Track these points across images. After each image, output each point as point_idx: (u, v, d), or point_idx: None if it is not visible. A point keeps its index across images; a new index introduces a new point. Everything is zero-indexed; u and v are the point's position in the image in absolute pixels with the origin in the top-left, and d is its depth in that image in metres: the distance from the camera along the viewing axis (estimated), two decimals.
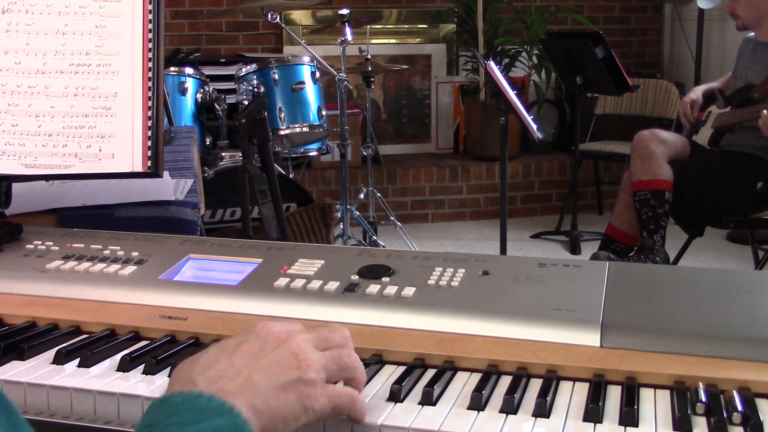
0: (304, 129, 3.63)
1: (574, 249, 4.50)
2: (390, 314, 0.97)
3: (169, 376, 0.87)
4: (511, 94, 3.28)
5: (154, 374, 0.87)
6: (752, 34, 3.48)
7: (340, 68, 3.89)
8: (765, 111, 3.07)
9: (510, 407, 0.79)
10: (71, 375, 0.88)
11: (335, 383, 0.77)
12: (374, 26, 5.18)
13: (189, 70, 3.54)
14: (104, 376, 0.87)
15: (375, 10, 5.42)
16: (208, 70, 3.91)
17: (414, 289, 1.01)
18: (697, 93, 3.62)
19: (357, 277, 1.05)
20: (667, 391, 0.83)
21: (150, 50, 1.24)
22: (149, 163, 1.25)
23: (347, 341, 0.80)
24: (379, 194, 4.30)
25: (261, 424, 0.69)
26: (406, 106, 5.71)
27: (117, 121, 1.25)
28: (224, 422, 0.65)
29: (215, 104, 3.50)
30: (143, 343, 0.96)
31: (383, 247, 4.05)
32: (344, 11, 3.91)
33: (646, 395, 0.83)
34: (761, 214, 3.32)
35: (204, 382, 0.69)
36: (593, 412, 0.78)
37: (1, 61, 1.23)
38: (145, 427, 0.65)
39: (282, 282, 1.05)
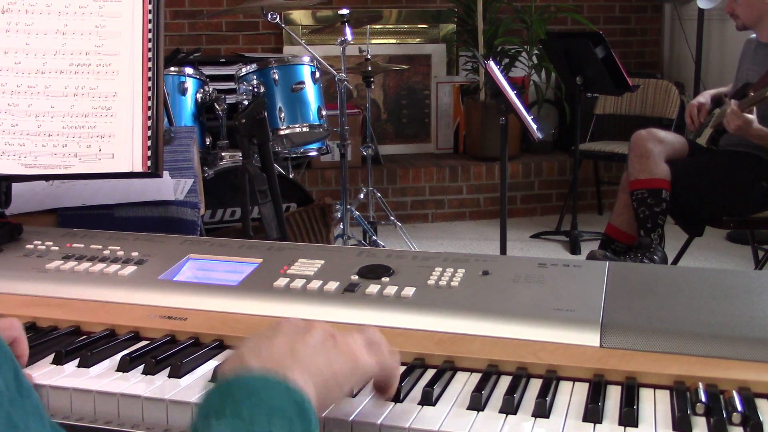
0: (304, 129, 3.63)
1: (574, 249, 4.50)
2: (390, 314, 0.97)
3: (169, 376, 0.87)
4: (511, 94, 3.28)
5: (154, 374, 0.87)
6: (754, 35, 3.48)
7: (340, 68, 3.89)
8: (732, 103, 3.08)
9: (510, 407, 0.79)
10: (71, 375, 0.88)
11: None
12: (374, 26, 5.18)
13: (189, 70, 3.53)
14: (104, 377, 0.87)
15: (375, 10, 5.42)
16: (208, 70, 3.91)
17: (414, 289, 1.01)
18: (705, 96, 3.63)
19: (357, 277, 1.05)
20: (667, 391, 0.83)
21: (150, 50, 1.24)
22: (149, 163, 1.25)
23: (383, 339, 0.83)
24: (379, 194, 4.30)
25: (319, 391, 0.71)
26: (406, 106, 5.71)
27: (117, 121, 1.25)
28: (291, 402, 0.66)
29: (215, 104, 3.50)
30: (143, 343, 0.96)
31: (383, 247, 4.05)
32: (344, 11, 3.91)
33: (645, 395, 0.83)
34: (761, 214, 3.32)
35: (255, 363, 0.70)
36: (593, 412, 0.78)
37: (1, 61, 1.23)
38: (212, 406, 0.65)
39: (282, 282, 1.05)
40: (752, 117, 3.08)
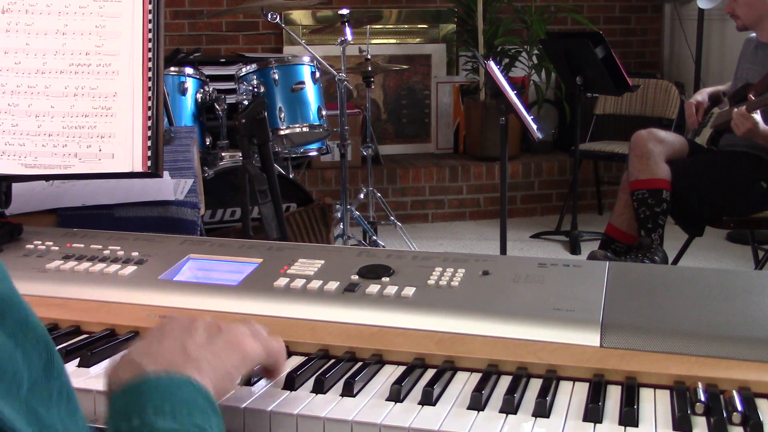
0: (304, 129, 3.63)
1: (574, 249, 4.50)
2: (390, 314, 0.97)
3: None
4: (511, 94, 3.28)
5: None
6: (754, 34, 3.48)
7: (340, 68, 3.89)
8: (735, 109, 3.08)
9: (510, 407, 0.79)
10: (71, 375, 0.87)
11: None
12: (374, 26, 5.18)
13: (189, 70, 3.53)
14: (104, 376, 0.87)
15: (375, 10, 5.42)
16: (208, 70, 3.91)
17: (414, 289, 1.01)
18: (703, 95, 3.63)
19: (357, 277, 1.05)
20: (667, 391, 0.83)
21: (150, 50, 1.24)
22: (149, 163, 1.25)
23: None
24: (379, 194, 4.30)
25: (212, 384, 0.72)
26: (406, 106, 5.71)
27: (117, 121, 1.25)
28: (190, 391, 0.69)
29: (215, 104, 3.50)
30: None
31: (383, 247, 4.05)
32: (344, 11, 3.91)
33: (645, 395, 0.83)
34: (761, 214, 3.32)
35: (150, 365, 0.71)
36: (593, 412, 0.78)
37: (1, 61, 1.23)
38: (117, 414, 0.67)
39: (282, 282, 1.05)
40: (759, 119, 3.08)
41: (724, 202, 3.32)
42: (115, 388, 0.70)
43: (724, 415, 0.76)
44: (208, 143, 3.53)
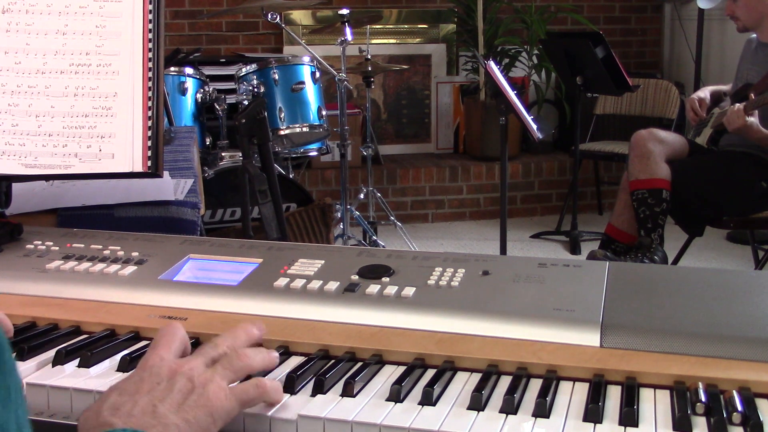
0: (304, 129, 3.63)
1: (574, 249, 4.50)
2: (390, 314, 0.97)
3: None
4: (511, 94, 3.28)
5: None
6: (754, 35, 3.48)
7: (340, 68, 3.89)
8: (736, 106, 3.08)
9: (510, 407, 0.79)
10: (71, 375, 0.88)
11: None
12: (374, 26, 5.18)
13: (189, 70, 3.53)
14: (104, 376, 0.87)
15: (375, 10, 5.42)
16: (208, 70, 3.91)
17: (414, 289, 1.01)
18: (705, 92, 3.63)
19: (357, 277, 1.05)
20: (667, 391, 0.83)
21: (150, 50, 1.24)
22: (149, 163, 1.25)
23: (234, 344, 0.86)
24: (379, 194, 4.30)
25: None
26: (406, 106, 5.71)
27: (117, 121, 1.25)
28: None
29: (215, 104, 3.50)
30: (143, 343, 0.96)
31: (383, 247, 4.05)
32: (344, 11, 3.91)
33: (646, 395, 0.83)
34: (761, 214, 3.32)
35: (118, 422, 0.72)
36: (593, 412, 0.78)
37: (1, 61, 1.23)
38: None
39: (282, 282, 1.05)
40: (753, 120, 3.08)
41: (724, 202, 3.33)
42: None
43: (724, 415, 0.76)
44: (208, 143, 3.53)
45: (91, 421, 0.74)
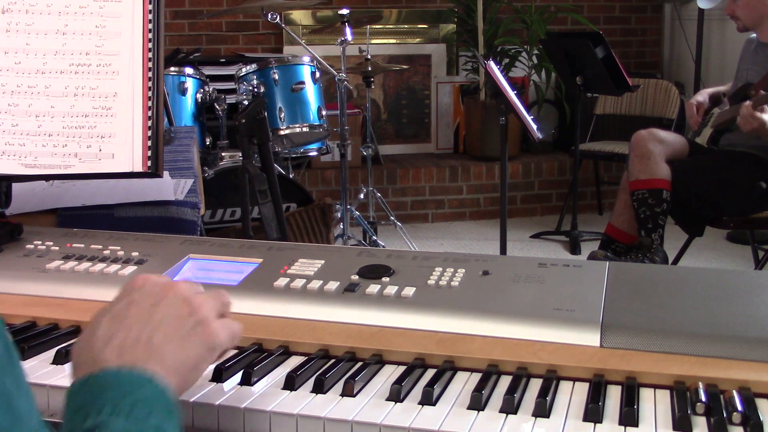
0: (304, 129, 3.63)
1: (574, 249, 4.50)
2: (390, 314, 0.97)
3: None
4: (511, 94, 3.28)
5: None
6: (754, 35, 3.48)
7: (340, 68, 3.89)
8: (746, 103, 3.06)
9: (510, 407, 0.79)
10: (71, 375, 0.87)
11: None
12: (374, 26, 5.18)
13: (189, 70, 3.53)
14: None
15: (375, 10, 5.42)
16: (208, 70, 3.91)
17: (414, 289, 1.01)
18: (703, 95, 3.63)
19: (357, 277, 1.05)
20: (667, 391, 0.83)
21: (150, 50, 1.24)
22: (149, 163, 1.25)
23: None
24: (379, 194, 4.30)
25: (177, 380, 0.71)
26: (406, 106, 5.71)
27: (117, 121, 1.25)
28: (151, 390, 0.67)
29: (215, 104, 3.50)
30: None
31: (383, 247, 4.05)
32: (344, 11, 3.91)
33: (646, 395, 0.83)
34: (761, 214, 3.31)
35: (113, 358, 0.69)
36: (593, 412, 0.78)
37: (1, 61, 1.23)
38: (75, 412, 0.65)
39: (282, 282, 1.05)
40: (766, 117, 3.06)
41: (724, 202, 3.32)
42: (74, 380, 0.68)
43: (724, 415, 0.76)
44: (208, 143, 3.53)
45: (84, 355, 0.71)
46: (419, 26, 5.72)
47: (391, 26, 5.65)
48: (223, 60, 4.88)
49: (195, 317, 0.75)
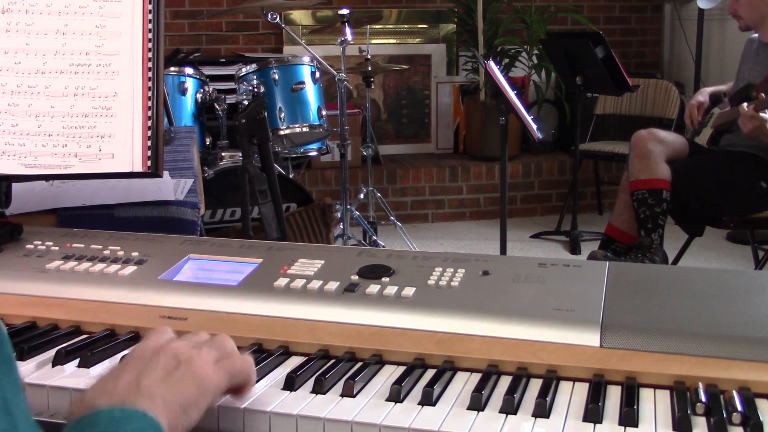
0: (304, 129, 3.63)
1: (574, 249, 4.50)
2: (390, 314, 0.97)
3: None
4: (511, 94, 3.28)
5: None
6: (756, 34, 3.48)
7: (340, 68, 3.89)
8: (744, 105, 3.06)
9: (510, 407, 0.79)
10: (71, 375, 0.88)
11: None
12: (374, 26, 5.18)
13: (189, 70, 3.53)
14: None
15: (375, 10, 5.42)
16: (208, 70, 3.91)
17: (414, 289, 1.01)
18: (704, 95, 3.62)
19: (357, 277, 1.05)
20: (667, 391, 0.83)
21: (150, 50, 1.24)
22: (149, 163, 1.25)
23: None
24: (379, 194, 4.30)
25: (169, 418, 0.71)
26: (406, 106, 5.71)
27: (117, 121, 1.24)
28: (141, 424, 0.68)
29: (215, 104, 3.50)
30: None
31: (383, 247, 4.05)
32: (344, 11, 3.91)
33: (646, 395, 0.83)
34: (761, 214, 3.31)
35: (105, 400, 0.71)
36: (593, 412, 0.78)
37: (1, 61, 1.23)
38: None
39: (282, 282, 1.05)
40: (767, 117, 3.05)
41: (724, 202, 3.32)
42: (68, 425, 0.70)
43: (724, 415, 0.76)
44: (208, 143, 3.53)
45: (76, 407, 0.72)
46: (419, 26, 5.72)
47: (391, 26, 5.65)
48: (223, 60, 4.88)
49: (184, 362, 0.77)
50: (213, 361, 0.79)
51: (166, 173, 1.61)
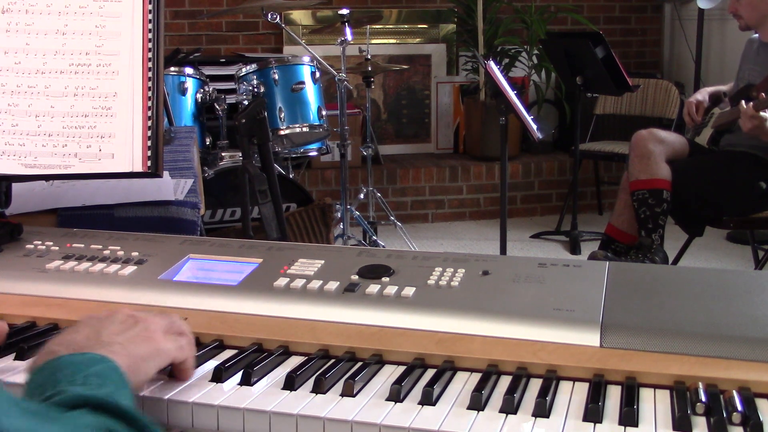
0: (304, 129, 3.63)
1: (574, 249, 4.50)
2: (390, 314, 0.97)
3: (168, 376, 0.87)
4: (511, 94, 3.28)
5: None
6: (756, 34, 3.47)
7: (340, 68, 3.89)
8: (744, 103, 3.05)
9: (510, 407, 0.79)
10: None
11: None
12: (374, 26, 5.17)
13: (189, 70, 3.53)
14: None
15: (375, 10, 5.42)
16: (208, 70, 3.91)
17: (414, 289, 1.01)
18: (703, 94, 3.62)
19: (357, 277, 1.05)
20: (667, 391, 0.83)
21: (150, 50, 1.24)
22: (149, 163, 1.25)
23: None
24: (379, 194, 4.30)
25: (127, 364, 0.76)
26: (406, 106, 5.71)
27: (117, 121, 1.25)
28: (102, 366, 0.73)
29: (215, 104, 3.50)
30: None
31: (383, 247, 4.05)
32: (344, 11, 3.91)
33: (646, 395, 0.83)
34: (761, 214, 3.31)
35: (63, 349, 0.76)
36: (593, 412, 0.78)
37: (1, 61, 1.23)
38: (32, 392, 0.70)
39: (282, 282, 1.05)
40: (767, 117, 3.05)
41: (724, 202, 3.32)
42: (31, 372, 0.74)
43: (724, 415, 0.76)
44: (208, 143, 3.53)
45: (39, 357, 0.77)
46: (419, 26, 5.72)
47: (391, 26, 5.65)
48: (223, 60, 4.88)
49: (142, 324, 0.83)
50: (164, 330, 0.85)
51: (166, 173, 1.61)
